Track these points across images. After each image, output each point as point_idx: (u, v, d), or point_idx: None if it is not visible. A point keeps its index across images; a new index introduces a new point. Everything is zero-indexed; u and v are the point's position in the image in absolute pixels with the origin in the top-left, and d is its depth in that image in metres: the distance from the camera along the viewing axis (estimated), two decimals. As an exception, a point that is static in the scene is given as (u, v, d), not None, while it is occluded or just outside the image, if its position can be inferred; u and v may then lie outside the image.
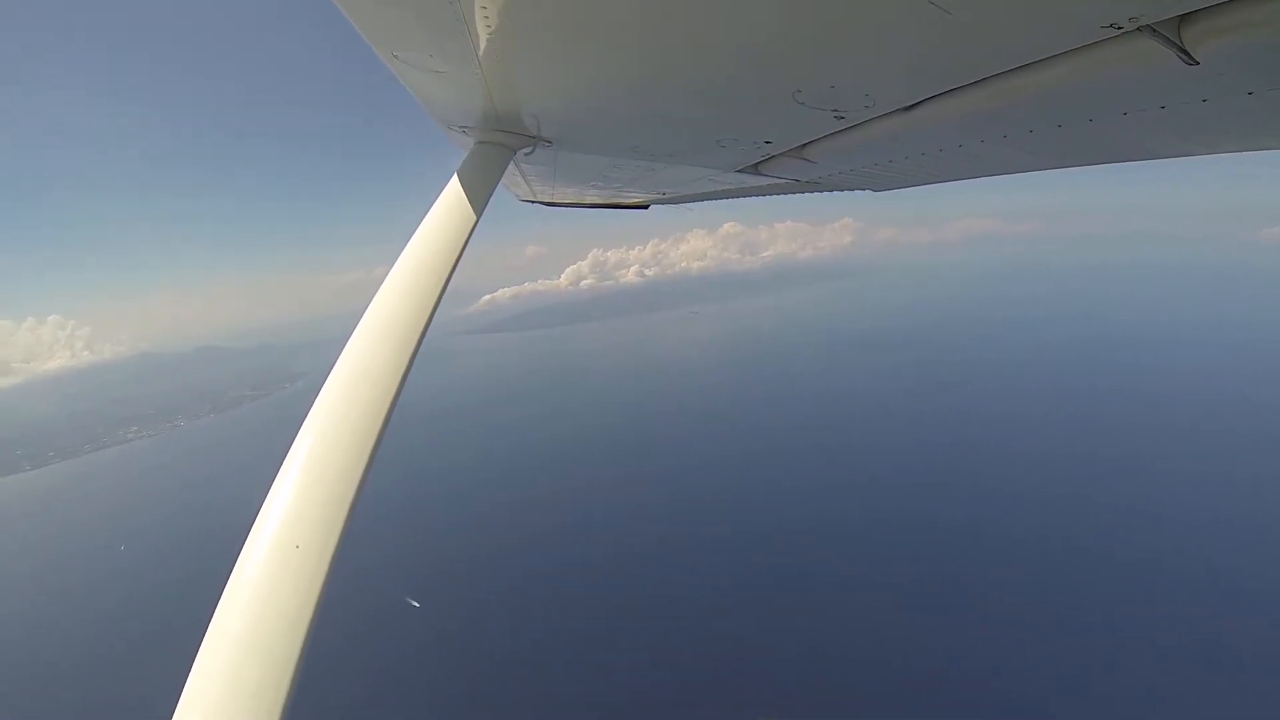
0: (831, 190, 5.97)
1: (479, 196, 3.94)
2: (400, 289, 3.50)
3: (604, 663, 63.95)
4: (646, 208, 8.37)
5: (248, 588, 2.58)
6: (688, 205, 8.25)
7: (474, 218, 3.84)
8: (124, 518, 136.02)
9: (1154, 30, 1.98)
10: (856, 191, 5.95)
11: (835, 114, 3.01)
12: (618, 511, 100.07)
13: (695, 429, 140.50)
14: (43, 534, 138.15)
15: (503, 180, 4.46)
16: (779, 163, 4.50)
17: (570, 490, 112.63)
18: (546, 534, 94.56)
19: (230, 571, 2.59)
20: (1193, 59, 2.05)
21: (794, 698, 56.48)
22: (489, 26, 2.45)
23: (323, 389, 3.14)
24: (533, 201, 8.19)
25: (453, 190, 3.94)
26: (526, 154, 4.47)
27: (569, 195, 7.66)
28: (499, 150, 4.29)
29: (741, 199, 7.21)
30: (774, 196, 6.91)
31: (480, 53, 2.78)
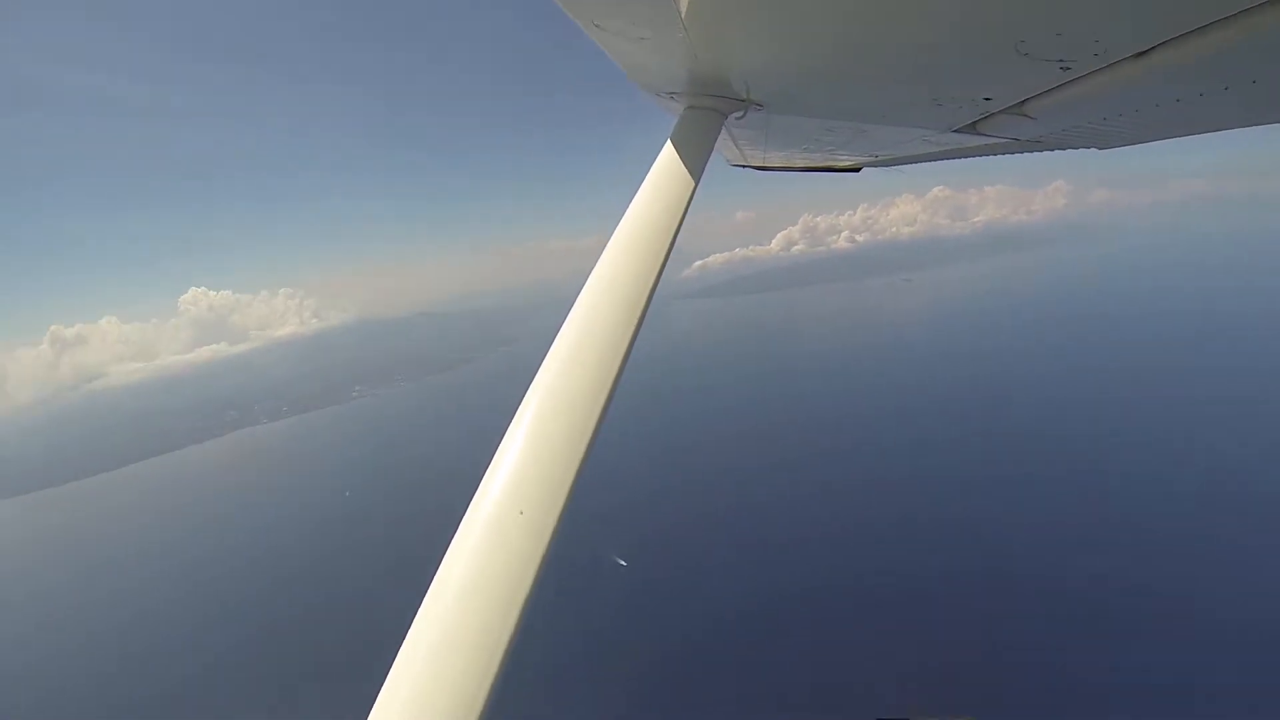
0: (1053, 149, 5.71)
1: (695, 162, 4.00)
2: (623, 254, 3.64)
3: (815, 644, 62.62)
4: (858, 170, 8.15)
5: (468, 552, 2.70)
6: (900, 168, 7.90)
7: (692, 183, 3.92)
8: (350, 466, 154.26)
9: None
10: (1073, 151, 5.74)
11: (1061, 65, 2.93)
12: (835, 486, 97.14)
13: (915, 403, 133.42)
14: (277, 481, 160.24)
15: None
16: (997, 121, 4.29)
17: (783, 460, 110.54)
18: (758, 505, 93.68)
19: (449, 529, 2.76)
20: None
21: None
22: None
23: (549, 354, 3.26)
24: (743, 166, 8.34)
25: (668, 157, 4.04)
26: (737, 118, 4.58)
27: (779, 159, 7.72)
28: (709, 115, 4.36)
29: (952, 160, 7.12)
30: (984, 158, 6.59)
31: (684, 16, 2.92)
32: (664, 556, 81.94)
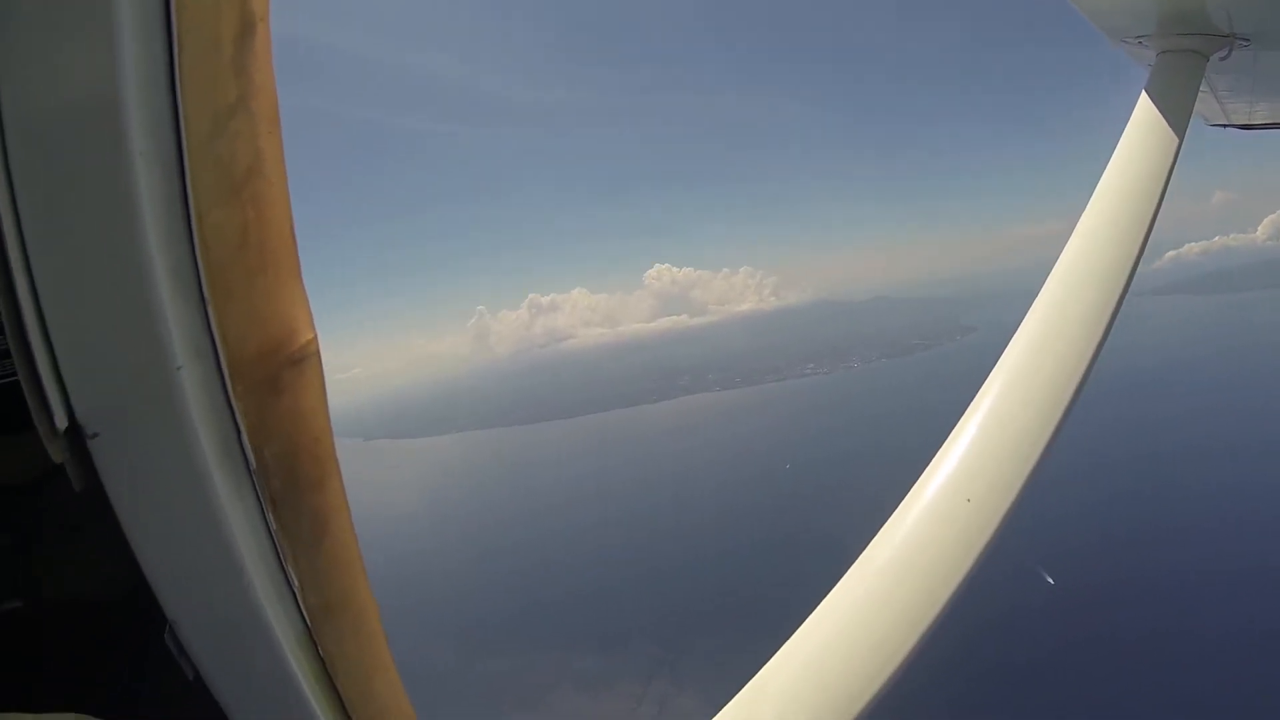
0: None
1: (1178, 115, 3.76)
2: (1099, 226, 3.52)
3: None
4: None
5: (903, 532, 2.79)
6: None
7: (1175, 140, 3.69)
8: (794, 440, 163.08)
9: None
10: None
11: None
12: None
13: None
14: (722, 445, 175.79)
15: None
16: None
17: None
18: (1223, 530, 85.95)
19: (883, 515, 2.85)
20: None
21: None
22: None
23: (1016, 335, 3.28)
24: (1224, 125, 7.65)
25: (1143, 113, 3.86)
26: (1221, 58, 4.26)
27: (1267, 111, 7.04)
28: (1188, 58, 4.13)
29: None
30: None
31: None
32: (1094, 577, 79.31)
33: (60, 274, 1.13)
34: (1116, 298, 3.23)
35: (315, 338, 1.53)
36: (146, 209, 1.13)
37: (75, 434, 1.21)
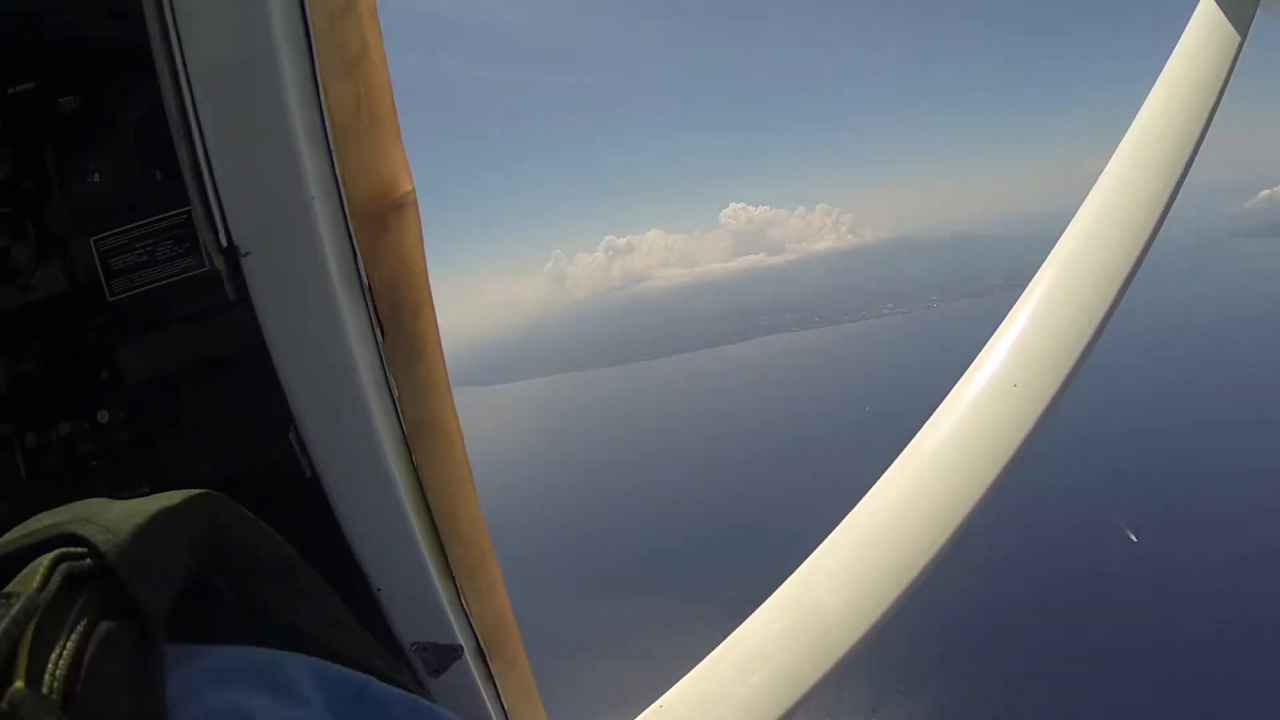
0: None
1: (1240, 11, 3.51)
2: (1156, 122, 3.43)
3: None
4: None
5: (952, 418, 2.89)
6: None
7: (1238, 38, 3.49)
8: (874, 381, 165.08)
9: None
10: None
11: None
12: None
13: None
14: (801, 386, 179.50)
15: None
16: None
17: None
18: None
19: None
20: None
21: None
22: None
23: (1065, 233, 3.31)
24: None
25: (1204, 13, 3.60)
26: None
27: None
28: None
29: None
30: None
31: None
32: (1178, 544, 75.26)
33: (224, 127, 1.45)
34: (1168, 194, 3.24)
35: (413, 189, 1.88)
36: (288, 78, 1.46)
37: (232, 253, 1.53)
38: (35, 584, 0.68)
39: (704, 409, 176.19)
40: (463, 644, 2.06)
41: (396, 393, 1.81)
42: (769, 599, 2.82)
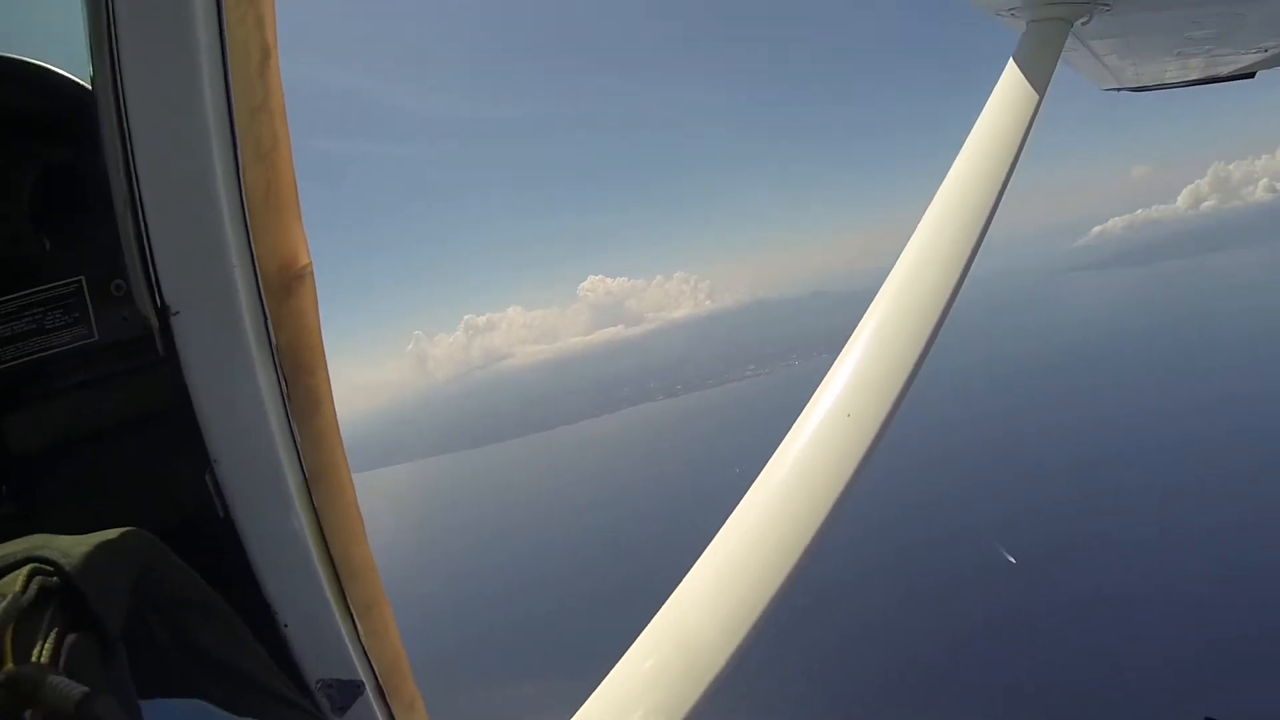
0: None
1: (1039, 77, 4.19)
2: (966, 173, 3.90)
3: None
4: (1252, 75, 7.66)
5: (794, 450, 3.10)
6: None
7: (1035, 98, 4.13)
8: (742, 443, 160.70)
9: None
10: None
11: None
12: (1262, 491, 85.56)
13: None
14: (669, 454, 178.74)
15: (1078, 67, 5.12)
16: None
17: (1197, 452, 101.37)
18: (1161, 499, 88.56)
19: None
20: None
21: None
22: None
23: (894, 267, 3.66)
24: (1116, 89, 8.14)
25: (1010, 77, 4.26)
26: (1083, 23, 4.62)
27: (1154, 73, 7.54)
28: (1052, 26, 4.50)
29: None
30: None
31: None
32: (1057, 562, 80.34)
33: (162, 202, 1.69)
34: (981, 225, 3.60)
35: (310, 263, 2.06)
36: (216, 162, 1.69)
37: (164, 312, 1.73)
38: (17, 588, 0.76)
39: (572, 484, 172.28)
40: (364, 680, 2.17)
41: (299, 440, 1.99)
42: (638, 639, 2.95)
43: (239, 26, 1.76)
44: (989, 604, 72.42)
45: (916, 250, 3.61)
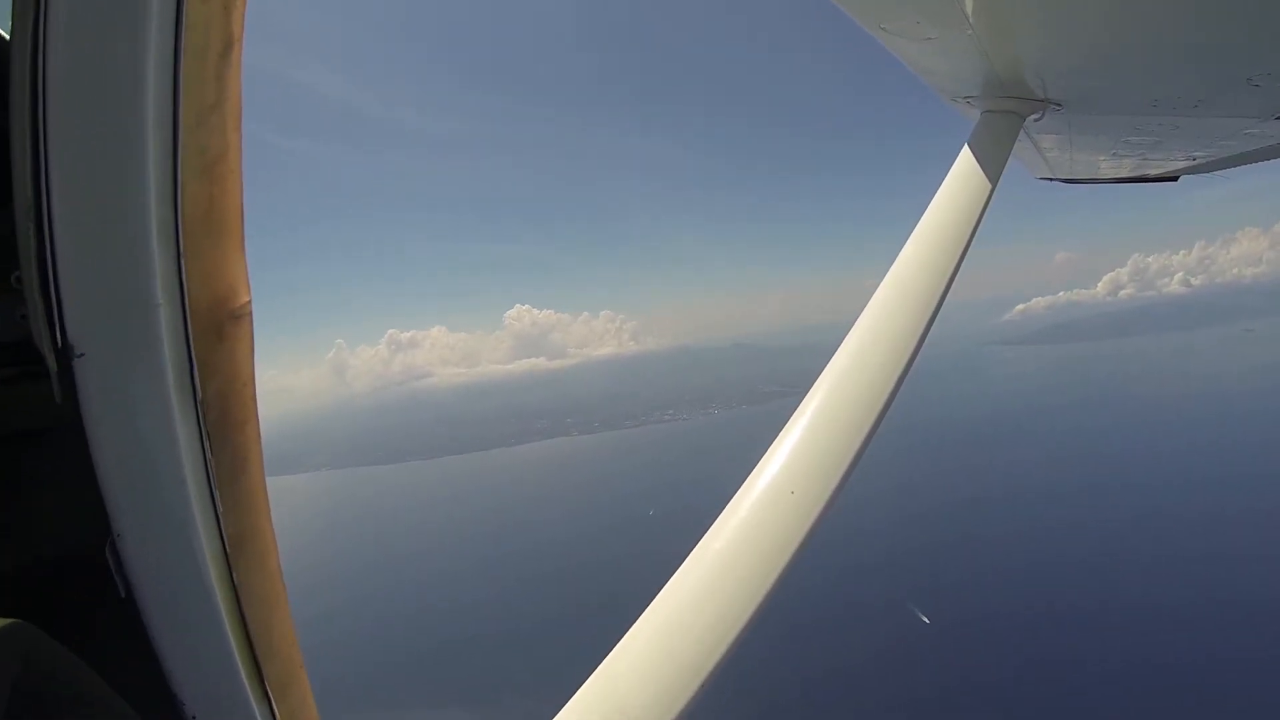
0: None
1: (992, 166, 4.30)
2: (918, 254, 3.99)
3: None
4: (1176, 179, 8.32)
5: (734, 523, 3.08)
6: (1223, 172, 8.01)
7: (989, 186, 4.24)
8: (655, 485, 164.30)
9: None
10: None
11: None
12: (1162, 556, 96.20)
13: (1259, 470, 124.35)
14: (581, 490, 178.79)
15: (1017, 155, 4.96)
16: None
17: (1102, 521, 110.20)
18: (1076, 563, 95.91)
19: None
20: None
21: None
22: None
23: (842, 344, 3.68)
24: (1050, 179, 8.60)
25: (964, 163, 4.36)
26: (1036, 119, 4.87)
27: (1086, 168, 7.98)
28: (1007, 118, 4.67)
29: None
30: None
31: (970, 13, 3.12)
32: (963, 613, 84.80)
33: (74, 217, 1.37)
34: (933, 307, 3.76)
35: (250, 300, 1.80)
36: (152, 172, 1.40)
37: (65, 353, 1.42)
38: None
39: (482, 510, 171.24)
40: None
41: (220, 508, 1.75)
42: (568, 704, 2.84)
43: (200, 7, 1.53)
44: (911, 673, 74.38)
45: (863, 335, 3.71)
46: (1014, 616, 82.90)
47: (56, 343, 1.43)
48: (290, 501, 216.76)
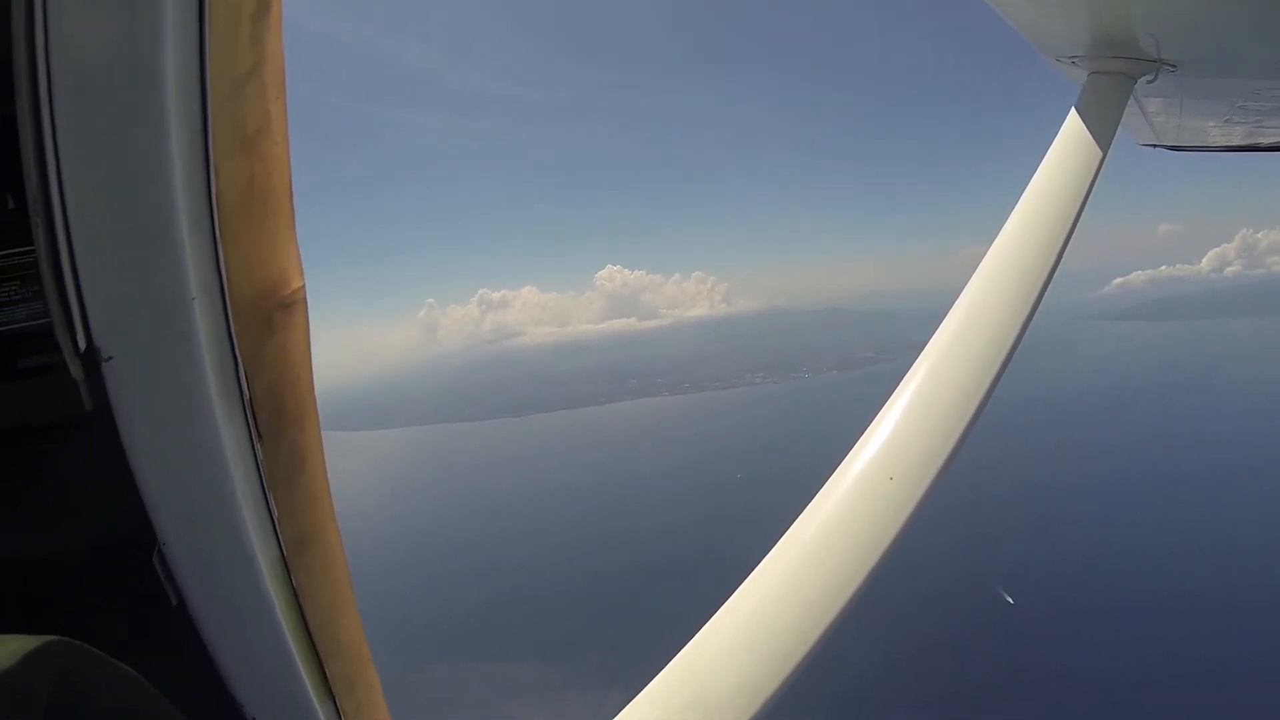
0: None
1: (1103, 131, 4.11)
2: (1024, 227, 3.83)
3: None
4: None
5: (827, 508, 3.03)
6: None
7: (1099, 154, 4.04)
8: (744, 449, 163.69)
9: None
10: None
11: None
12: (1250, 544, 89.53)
13: None
14: (670, 450, 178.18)
15: (1122, 120, 4.61)
16: None
17: (1191, 507, 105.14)
18: (1142, 551, 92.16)
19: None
20: None
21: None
22: None
23: (941, 325, 3.53)
24: (1154, 145, 8.19)
25: (1072, 127, 4.20)
26: (1149, 81, 4.57)
27: (1194, 135, 7.57)
28: (1116, 80, 4.46)
29: None
30: None
31: None
32: (1056, 603, 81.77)
33: (92, 207, 1.24)
34: (1040, 284, 3.50)
35: (303, 285, 1.67)
36: (175, 156, 1.25)
37: (91, 357, 1.30)
38: None
39: (569, 470, 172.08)
40: None
41: (275, 511, 1.66)
42: (648, 687, 2.80)
43: None
44: (994, 652, 72.25)
45: (966, 313, 3.49)
46: (1092, 606, 79.35)
47: (79, 346, 1.30)
48: (381, 455, 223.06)
